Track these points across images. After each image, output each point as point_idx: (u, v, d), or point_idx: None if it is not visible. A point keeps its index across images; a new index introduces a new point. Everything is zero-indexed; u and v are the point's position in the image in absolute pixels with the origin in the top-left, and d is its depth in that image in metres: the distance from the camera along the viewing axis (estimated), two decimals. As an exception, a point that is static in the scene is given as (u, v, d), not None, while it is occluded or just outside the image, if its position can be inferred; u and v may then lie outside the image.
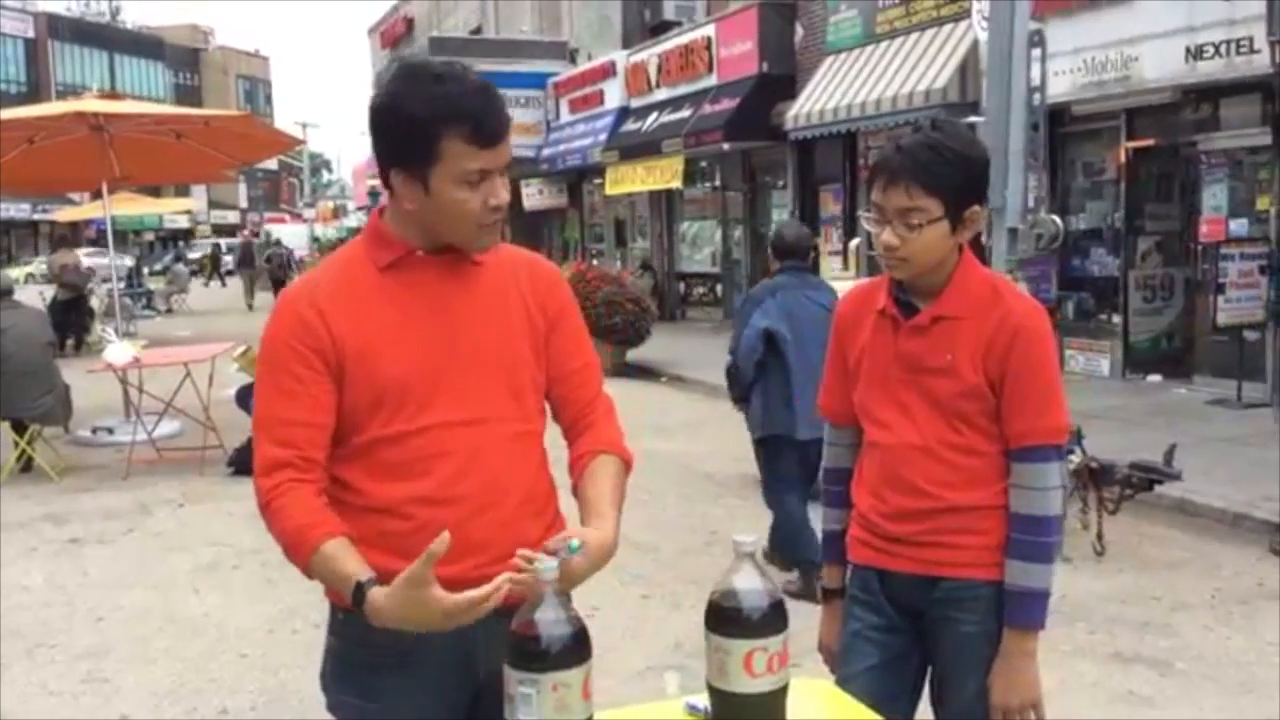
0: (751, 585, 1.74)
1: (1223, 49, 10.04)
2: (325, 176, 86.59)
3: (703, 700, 1.82)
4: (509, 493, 2.00)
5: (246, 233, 39.24)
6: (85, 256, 22.88)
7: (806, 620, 2.57)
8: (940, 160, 2.22)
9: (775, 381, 5.48)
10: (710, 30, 18.57)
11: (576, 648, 1.65)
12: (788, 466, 5.59)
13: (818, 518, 2.73)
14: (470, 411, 1.98)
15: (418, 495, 1.93)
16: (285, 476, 1.89)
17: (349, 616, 1.96)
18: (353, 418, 1.95)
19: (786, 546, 5.72)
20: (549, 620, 1.64)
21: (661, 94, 20.05)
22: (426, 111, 1.86)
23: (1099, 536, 6.16)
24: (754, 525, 6.97)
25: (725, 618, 1.74)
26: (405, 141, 1.89)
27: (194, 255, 45.22)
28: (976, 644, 2.32)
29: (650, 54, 20.47)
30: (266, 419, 1.94)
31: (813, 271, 5.78)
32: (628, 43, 22.17)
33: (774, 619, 1.74)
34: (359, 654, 1.99)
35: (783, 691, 1.76)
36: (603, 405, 2.17)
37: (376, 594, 1.75)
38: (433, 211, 1.93)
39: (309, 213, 58.58)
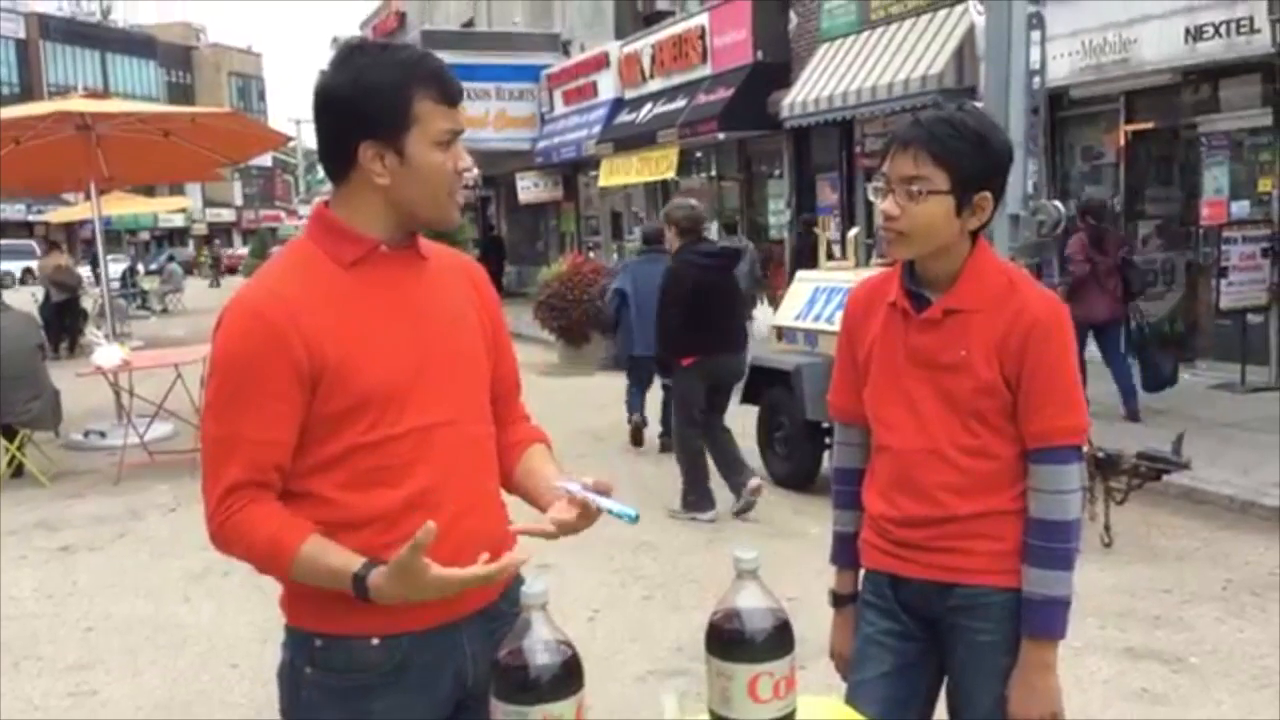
0: (755, 605, 1.62)
1: (1223, 29, 9.91)
2: (320, 173, 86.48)
3: (706, 725, 1.70)
4: (484, 493, 1.97)
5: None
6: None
7: (814, 624, 2.46)
8: (955, 135, 2.12)
9: (625, 321, 8.85)
10: (703, 19, 18.43)
11: (567, 677, 1.53)
12: (634, 371, 9.11)
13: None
14: (444, 413, 1.90)
15: (401, 502, 1.84)
16: (245, 495, 1.81)
17: (330, 642, 1.88)
18: (324, 426, 1.83)
19: (628, 407, 9.32)
20: (537, 648, 1.52)
21: (655, 85, 19.92)
22: (397, 76, 1.82)
23: (1107, 528, 6.05)
24: (757, 524, 6.88)
25: (727, 640, 1.62)
26: (378, 109, 1.82)
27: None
28: (992, 653, 2.22)
29: (643, 44, 20.34)
30: (231, 437, 1.81)
31: (663, 253, 8.35)
32: (620, 33, 22.02)
33: (780, 641, 1.62)
34: (344, 680, 1.89)
35: (790, 718, 1.64)
36: (523, 409, 2.21)
37: (376, 579, 1.73)
38: (410, 181, 1.84)
39: (304, 209, 58.43)
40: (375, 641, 1.85)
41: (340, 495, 1.84)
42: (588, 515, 1.85)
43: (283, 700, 1.96)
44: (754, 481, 7.02)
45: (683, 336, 6.86)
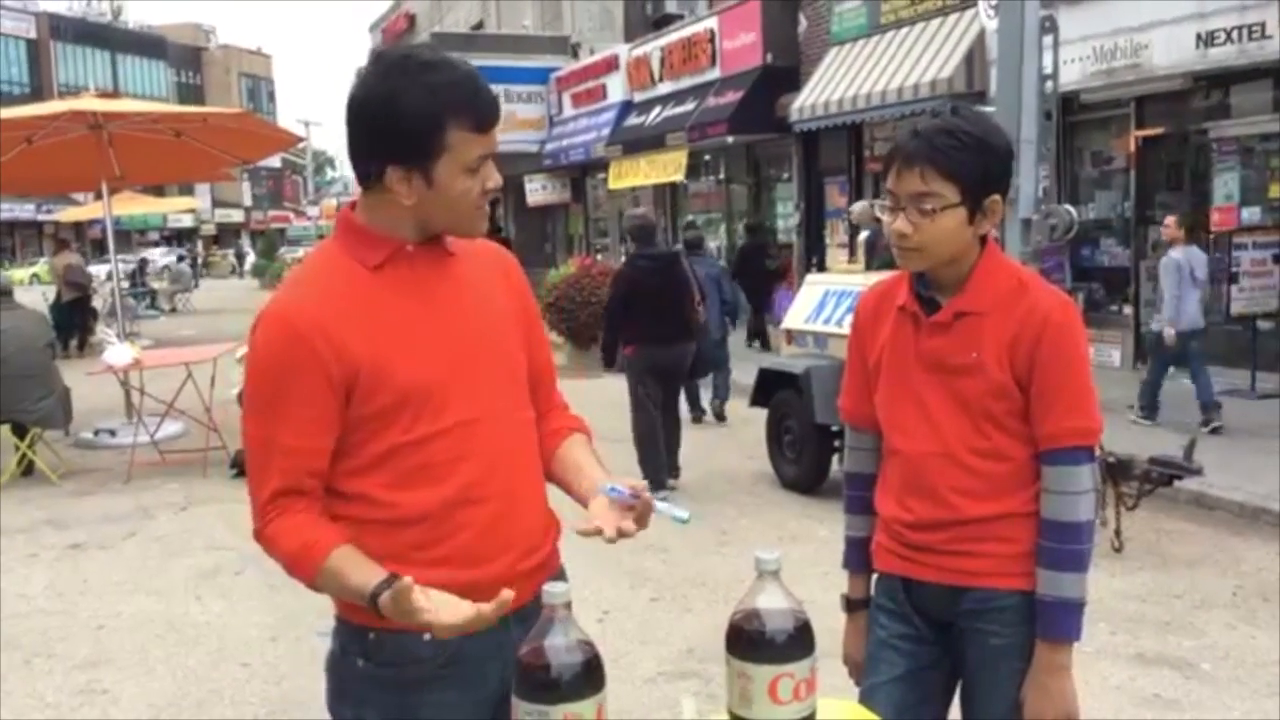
0: (776, 605, 1.62)
1: (1234, 35, 9.91)
2: (329, 174, 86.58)
3: (724, 726, 1.70)
4: (530, 484, 1.98)
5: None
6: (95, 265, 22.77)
7: (825, 627, 2.46)
8: (958, 145, 2.10)
9: None
10: (713, 23, 18.44)
11: (589, 676, 1.54)
12: None
13: None
14: (484, 406, 1.92)
15: (449, 498, 1.86)
16: (280, 504, 1.84)
17: (384, 636, 1.88)
18: (367, 427, 1.85)
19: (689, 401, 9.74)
20: (559, 647, 1.53)
21: (665, 87, 19.92)
22: (431, 104, 1.77)
23: (1117, 533, 6.04)
24: (767, 526, 6.88)
25: (748, 641, 1.61)
26: (409, 136, 1.79)
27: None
28: (1006, 657, 2.21)
29: (653, 47, 20.34)
30: (269, 442, 1.84)
31: (700, 257, 9.42)
32: (630, 36, 22.05)
33: (801, 642, 1.61)
34: (395, 673, 1.90)
35: (810, 720, 1.64)
36: (561, 398, 2.20)
37: (385, 601, 1.72)
38: (435, 203, 1.84)
39: (313, 210, 58.51)
40: (426, 637, 1.84)
41: (388, 495, 1.86)
42: (643, 520, 1.86)
43: (330, 690, 1.97)
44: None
45: (625, 329, 7.68)
